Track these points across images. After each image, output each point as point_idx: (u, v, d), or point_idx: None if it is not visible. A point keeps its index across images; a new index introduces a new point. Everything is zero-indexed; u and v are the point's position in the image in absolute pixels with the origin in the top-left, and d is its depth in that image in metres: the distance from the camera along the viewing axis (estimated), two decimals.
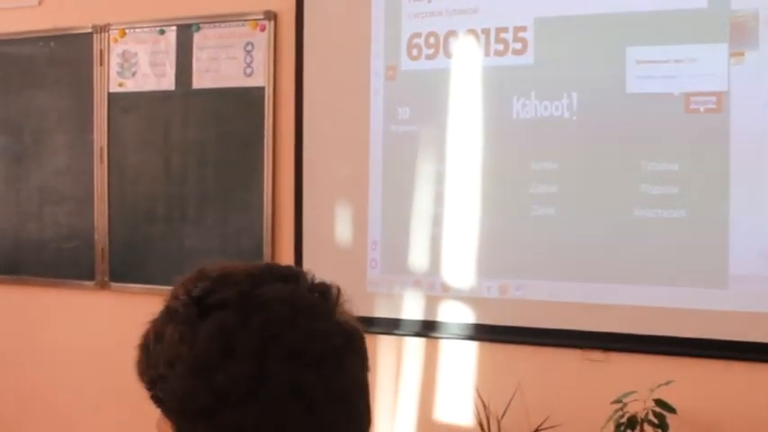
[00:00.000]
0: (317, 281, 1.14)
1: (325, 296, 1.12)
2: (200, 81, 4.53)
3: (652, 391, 3.40)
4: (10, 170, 5.03)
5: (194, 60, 4.54)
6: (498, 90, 3.94)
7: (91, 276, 4.81)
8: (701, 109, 3.60)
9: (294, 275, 1.13)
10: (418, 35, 4.07)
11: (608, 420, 3.44)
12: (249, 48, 4.42)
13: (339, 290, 1.14)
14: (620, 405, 3.43)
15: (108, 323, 4.76)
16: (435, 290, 4.05)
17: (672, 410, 3.39)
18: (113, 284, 4.77)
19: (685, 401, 3.49)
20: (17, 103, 4.99)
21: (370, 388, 1.15)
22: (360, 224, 4.19)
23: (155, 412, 1.12)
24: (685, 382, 3.53)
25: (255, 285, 1.08)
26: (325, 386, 1.06)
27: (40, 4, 4.95)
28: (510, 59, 3.91)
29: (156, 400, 1.10)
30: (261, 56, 4.40)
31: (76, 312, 4.90)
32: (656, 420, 3.39)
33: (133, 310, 4.61)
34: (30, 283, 5.01)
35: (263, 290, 1.08)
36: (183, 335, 1.06)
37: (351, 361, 1.10)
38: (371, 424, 1.14)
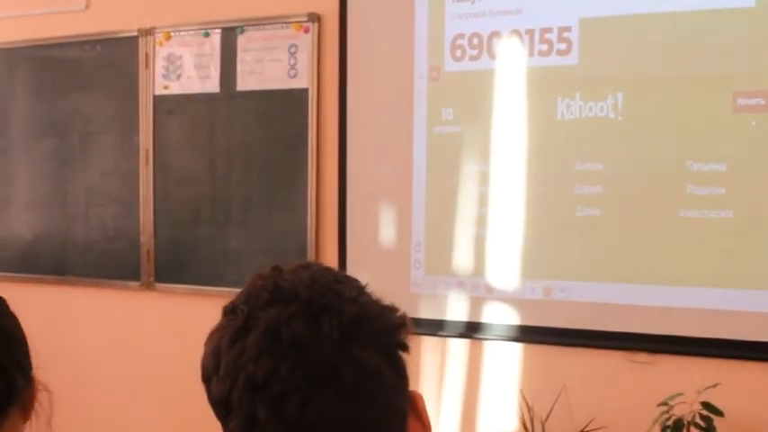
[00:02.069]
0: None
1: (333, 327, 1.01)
2: (245, 83, 4.56)
3: (699, 393, 3.37)
4: (57, 172, 5.09)
5: (238, 62, 4.56)
6: (542, 91, 3.92)
7: (136, 277, 4.86)
8: (749, 108, 3.55)
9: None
10: (462, 36, 4.06)
11: (654, 423, 3.42)
12: (293, 50, 4.44)
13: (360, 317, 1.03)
14: (666, 408, 3.40)
15: (153, 324, 4.81)
16: (479, 291, 4.04)
17: (719, 413, 3.35)
18: (159, 285, 4.81)
19: (733, 404, 3.45)
20: (64, 105, 5.05)
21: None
22: (403, 225, 4.19)
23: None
24: (733, 384, 3.49)
25: (257, 308, 1.03)
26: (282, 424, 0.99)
27: (86, 8, 5.01)
28: (554, 60, 3.89)
29: None
30: (305, 58, 4.41)
31: (122, 313, 4.94)
32: (702, 423, 3.36)
33: (178, 311, 4.68)
34: (76, 283, 5.07)
35: (260, 314, 1.02)
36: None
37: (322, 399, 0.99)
38: None
